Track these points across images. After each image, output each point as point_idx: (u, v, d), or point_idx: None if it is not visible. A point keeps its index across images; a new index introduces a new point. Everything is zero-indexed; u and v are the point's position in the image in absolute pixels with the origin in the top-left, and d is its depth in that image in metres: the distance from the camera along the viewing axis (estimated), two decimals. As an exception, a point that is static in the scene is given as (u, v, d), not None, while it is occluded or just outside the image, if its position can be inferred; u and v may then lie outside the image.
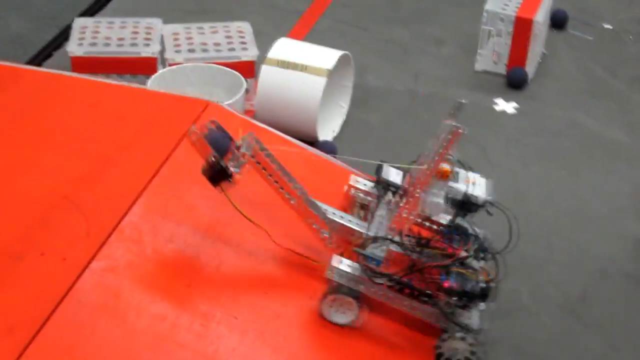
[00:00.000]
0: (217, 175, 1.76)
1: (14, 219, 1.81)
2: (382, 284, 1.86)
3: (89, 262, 1.72)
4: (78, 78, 2.36)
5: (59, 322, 1.59)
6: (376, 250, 1.87)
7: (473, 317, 1.90)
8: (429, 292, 1.86)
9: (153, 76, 2.79)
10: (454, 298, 1.84)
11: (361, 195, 2.12)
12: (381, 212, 1.98)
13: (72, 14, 3.44)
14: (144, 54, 2.94)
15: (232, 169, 1.77)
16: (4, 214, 1.82)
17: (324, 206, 1.94)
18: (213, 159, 1.75)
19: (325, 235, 1.90)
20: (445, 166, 1.89)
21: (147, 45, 2.97)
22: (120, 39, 3.01)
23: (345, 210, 2.04)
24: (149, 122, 2.15)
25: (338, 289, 1.85)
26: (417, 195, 1.87)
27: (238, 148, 1.78)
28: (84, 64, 2.89)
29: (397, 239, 1.87)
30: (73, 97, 2.24)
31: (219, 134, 1.79)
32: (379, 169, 2.06)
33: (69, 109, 2.18)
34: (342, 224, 1.96)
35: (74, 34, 3.02)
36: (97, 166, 1.97)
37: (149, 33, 3.04)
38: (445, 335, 1.87)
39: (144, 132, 2.10)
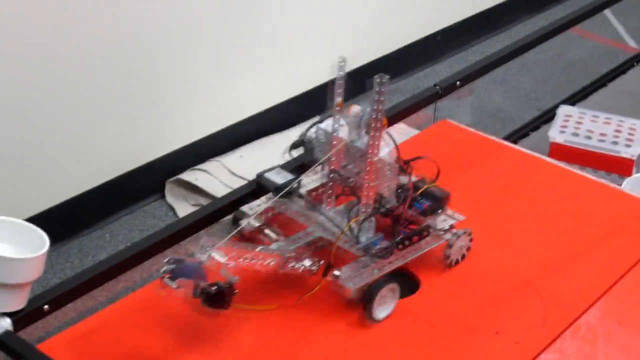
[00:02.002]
0: (221, 297, 1.62)
1: (474, 293, 1.87)
2: (392, 253, 1.78)
3: (541, 352, 1.73)
4: (557, 165, 2.38)
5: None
6: (370, 233, 1.79)
7: (454, 215, 1.89)
8: (424, 224, 1.84)
9: (628, 178, 2.75)
10: (439, 211, 1.85)
11: (263, 217, 1.91)
12: (315, 207, 1.86)
13: (553, 98, 3.50)
14: (623, 154, 2.92)
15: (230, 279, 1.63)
16: (466, 286, 1.88)
17: (277, 245, 1.81)
18: (203, 288, 1.60)
19: (307, 264, 1.76)
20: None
21: (628, 146, 2.96)
22: (603, 135, 3.02)
23: (255, 242, 1.88)
24: (621, 225, 2.12)
25: (377, 286, 1.75)
26: (374, 159, 1.75)
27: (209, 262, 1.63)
28: (562, 152, 2.93)
29: (381, 209, 1.78)
30: (549, 183, 2.26)
31: (184, 264, 1.62)
32: (260, 180, 1.91)
33: (544, 193, 2.21)
34: (299, 247, 1.82)
35: (558, 121, 3.07)
36: (564, 258, 1.98)
37: (631, 134, 3.02)
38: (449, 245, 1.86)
39: (613, 234, 2.08)
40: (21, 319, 1.65)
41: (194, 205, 2.69)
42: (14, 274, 1.58)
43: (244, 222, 1.89)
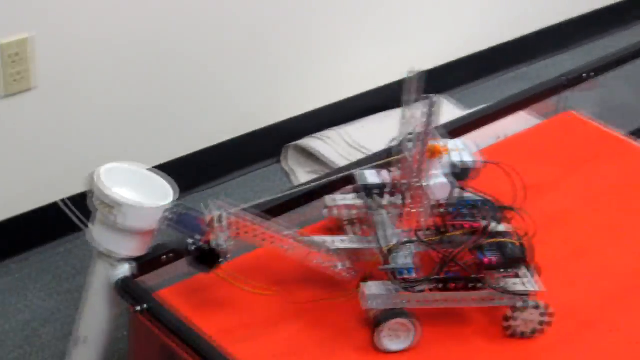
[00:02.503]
0: (209, 259, 1.59)
1: (590, 288, 1.85)
2: (423, 290, 1.63)
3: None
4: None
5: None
6: (402, 259, 1.64)
7: (527, 281, 1.67)
8: (475, 276, 1.63)
9: None
10: (501, 270, 1.64)
11: (344, 212, 1.84)
12: (379, 219, 1.74)
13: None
14: None
15: (220, 247, 1.59)
16: (583, 281, 1.86)
17: (319, 239, 1.72)
18: (194, 242, 1.59)
19: (339, 267, 1.68)
20: (434, 142, 1.69)
21: None
22: None
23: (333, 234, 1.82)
24: None
25: (385, 316, 1.62)
26: (417, 184, 1.64)
27: (210, 222, 1.60)
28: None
29: (416, 238, 1.64)
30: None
31: (188, 215, 1.60)
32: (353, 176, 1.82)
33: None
34: (350, 248, 1.73)
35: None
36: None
37: None
38: (517, 306, 1.65)
39: None
40: (141, 266, 1.69)
41: (309, 172, 2.70)
42: (141, 220, 1.61)
43: (334, 211, 1.84)
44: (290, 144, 2.77)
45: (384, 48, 2.94)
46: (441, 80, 3.17)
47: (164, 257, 1.74)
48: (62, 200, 2.08)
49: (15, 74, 2.14)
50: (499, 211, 1.72)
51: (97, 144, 2.35)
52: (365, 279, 1.66)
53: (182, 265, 1.79)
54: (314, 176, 2.62)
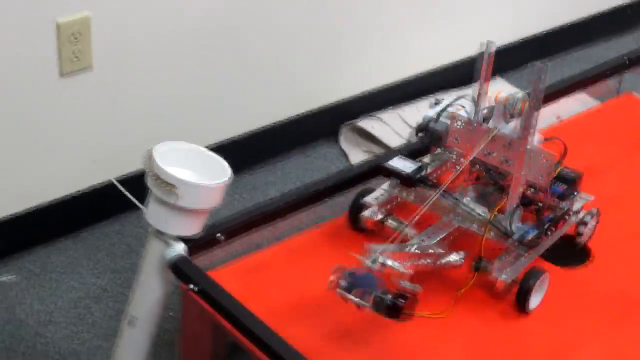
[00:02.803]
0: (398, 308, 1.50)
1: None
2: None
3: None
4: None
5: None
6: (516, 225, 1.71)
7: (583, 196, 1.85)
8: (565, 208, 1.78)
9: None
10: (574, 194, 1.81)
11: (382, 210, 1.83)
12: (451, 198, 1.76)
13: None
14: None
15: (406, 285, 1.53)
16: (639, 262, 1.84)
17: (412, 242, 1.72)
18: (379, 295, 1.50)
19: (456, 259, 1.73)
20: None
21: None
22: None
23: (377, 233, 1.80)
24: None
25: (531, 277, 1.69)
26: (526, 146, 1.68)
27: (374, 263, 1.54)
28: None
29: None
30: None
31: (358, 277, 1.53)
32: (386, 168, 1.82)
33: None
34: (440, 240, 1.73)
35: None
36: None
37: None
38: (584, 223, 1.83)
39: None
40: (196, 245, 1.69)
41: (365, 151, 2.69)
42: (196, 199, 1.61)
43: (367, 213, 1.83)
44: (347, 123, 2.76)
45: (442, 30, 2.92)
46: (500, 61, 3.12)
47: (218, 235, 1.74)
48: (117, 180, 2.09)
49: (77, 52, 2.15)
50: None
51: (153, 123, 2.36)
52: (477, 264, 1.70)
53: (234, 244, 1.80)
54: (369, 156, 2.61)
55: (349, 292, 1.53)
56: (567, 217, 1.79)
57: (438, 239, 1.75)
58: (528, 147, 1.68)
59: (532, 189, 1.77)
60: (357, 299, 1.52)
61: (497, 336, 1.68)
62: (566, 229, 1.81)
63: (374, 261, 1.54)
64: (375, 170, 1.89)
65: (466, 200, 1.79)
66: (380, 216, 1.83)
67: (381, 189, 1.87)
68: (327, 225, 1.89)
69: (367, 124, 2.74)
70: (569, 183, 1.81)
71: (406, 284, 1.54)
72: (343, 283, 1.54)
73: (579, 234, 1.84)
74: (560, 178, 1.81)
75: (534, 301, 1.70)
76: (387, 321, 1.53)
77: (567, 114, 2.40)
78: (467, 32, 2.98)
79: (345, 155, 2.72)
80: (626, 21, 3.57)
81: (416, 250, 1.69)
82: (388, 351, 1.62)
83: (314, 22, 2.59)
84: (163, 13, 2.26)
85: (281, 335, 1.52)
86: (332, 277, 1.54)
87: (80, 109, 2.22)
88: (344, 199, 1.93)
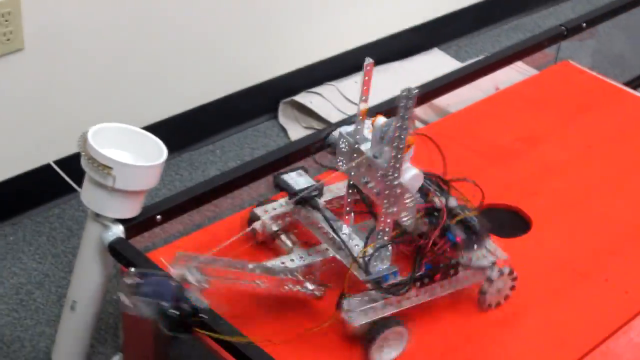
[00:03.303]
0: (180, 323, 1.42)
1: (586, 238, 1.84)
2: (409, 290, 1.53)
3: (650, 303, 1.69)
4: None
5: (606, 352, 1.59)
6: (382, 265, 1.52)
7: (494, 248, 1.62)
8: (454, 260, 1.56)
9: None
10: (474, 246, 1.55)
11: (277, 223, 1.70)
12: (334, 225, 1.58)
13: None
14: None
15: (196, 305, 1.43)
16: (579, 231, 1.85)
17: (275, 264, 1.60)
18: (167, 308, 1.40)
19: (310, 288, 1.56)
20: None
21: None
22: None
23: (270, 248, 1.69)
24: None
25: (377, 328, 1.51)
26: (395, 182, 1.47)
27: (184, 281, 1.44)
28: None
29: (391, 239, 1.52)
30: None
31: (154, 278, 1.44)
32: (278, 181, 1.66)
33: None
34: (309, 264, 1.61)
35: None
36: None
37: None
38: (491, 277, 1.59)
39: None
40: (134, 226, 1.68)
41: (306, 127, 2.68)
42: (132, 180, 1.60)
43: (257, 225, 1.70)
44: (287, 99, 2.75)
45: (376, 3, 2.91)
46: (438, 32, 3.14)
47: (159, 216, 1.72)
48: (55, 162, 2.07)
49: (7, 33, 2.11)
50: (447, 185, 1.62)
51: (88, 104, 2.33)
52: (342, 297, 1.52)
53: (174, 225, 1.78)
54: (310, 131, 2.61)
55: (135, 294, 1.41)
56: (453, 270, 1.57)
57: (305, 264, 1.63)
58: (396, 182, 1.48)
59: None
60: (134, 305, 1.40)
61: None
62: (458, 285, 1.60)
63: (180, 267, 1.45)
64: (318, 145, 1.85)
65: (347, 230, 1.62)
66: (274, 228, 1.72)
67: (277, 202, 1.74)
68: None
69: (305, 99, 2.73)
70: (470, 234, 1.57)
71: (194, 298, 1.43)
72: (131, 281, 1.42)
73: (482, 293, 1.63)
74: (464, 226, 1.57)
75: (385, 356, 1.54)
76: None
77: (506, 84, 2.41)
78: (403, 3, 2.98)
79: (285, 131, 2.71)
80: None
81: (254, 270, 1.54)
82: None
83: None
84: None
85: (221, 314, 1.51)
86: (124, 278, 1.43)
87: (13, 92, 2.19)
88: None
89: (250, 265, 1.55)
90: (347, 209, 1.65)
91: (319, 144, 1.69)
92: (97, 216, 1.65)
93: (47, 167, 2.21)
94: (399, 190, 1.49)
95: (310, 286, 1.57)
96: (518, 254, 1.76)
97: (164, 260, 1.53)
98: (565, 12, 3.51)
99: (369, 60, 1.57)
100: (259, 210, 1.73)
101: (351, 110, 2.64)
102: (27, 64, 2.17)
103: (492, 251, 1.62)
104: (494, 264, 1.61)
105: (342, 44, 2.86)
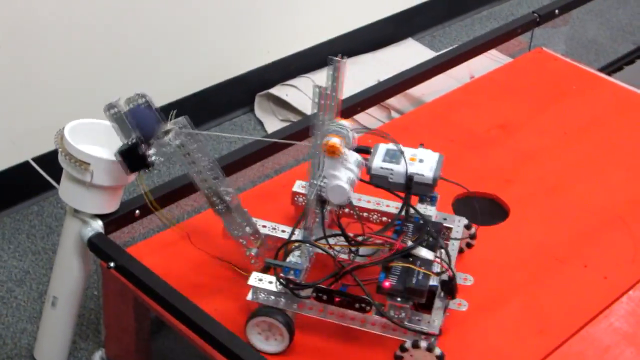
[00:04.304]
0: (136, 161, 1.51)
1: (564, 224, 1.85)
2: (307, 297, 1.49)
3: (630, 288, 1.71)
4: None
5: (586, 337, 1.61)
6: (294, 258, 1.52)
7: (435, 319, 1.48)
8: (363, 297, 1.46)
9: None
10: (398, 299, 1.44)
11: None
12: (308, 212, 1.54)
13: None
14: None
15: (152, 158, 1.52)
16: (557, 218, 1.87)
17: (261, 222, 1.64)
18: (134, 140, 1.50)
19: (252, 253, 1.60)
20: (332, 139, 1.46)
21: None
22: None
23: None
24: None
25: (258, 312, 1.51)
26: (314, 182, 1.47)
27: (166, 133, 1.52)
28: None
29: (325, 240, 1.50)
30: (643, 118, 2.22)
31: (146, 112, 1.54)
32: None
33: (638, 128, 2.17)
34: (271, 236, 1.63)
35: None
36: (656, 194, 1.94)
37: None
38: (405, 346, 1.46)
39: None
40: (113, 222, 1.68)
41: (282, 120, 2.68)
42: (110, 176, 1.60)
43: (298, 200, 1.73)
44: (262, 92, 2.75)
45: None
46: (411, 22, 3.14)
47: (136, 212, 1.72)
48: (33, 159, 2.06)
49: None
50: (437, 235, 1.52)
51: (64, 100, 2.32)
52: (266, 270, 1.54)
53: (152, 220, 1.78)
54: (287, 124, 2.61)
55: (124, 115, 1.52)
56: (363, 309, 1.49)
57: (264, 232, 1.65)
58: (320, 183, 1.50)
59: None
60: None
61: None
62: (366, 327, 1.51)
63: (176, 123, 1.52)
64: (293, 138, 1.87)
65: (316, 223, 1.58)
66: None
67: None
68: (243, 195, 1.88)
69: (281, 91, 2.73)
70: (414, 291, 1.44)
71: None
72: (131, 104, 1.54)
73: (396, 357, 1.49)
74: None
75: (259, 343, 1.53)
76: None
77: (480, 72, 2.42)
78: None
79: (261, 124, 2.71)
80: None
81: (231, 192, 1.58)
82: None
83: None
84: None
85: (203, 308, 1.51)
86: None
87: (-11, 89, 2.18)
88: (262, 168, 1.92)
89: (229, 189, 1.56)
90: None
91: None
92: (76, 212, 1.65)
93: (25, 164, 2.21)
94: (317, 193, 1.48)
95: (252, 251, 1.60)
96: (497, 242, 1.78)
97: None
98: (535, 1, 3.53)
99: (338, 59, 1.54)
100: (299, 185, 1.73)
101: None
102: (2, 61, 2.16)
103: (430, 320, 1.48)
104: (421, 334, 1.47)
105: (316, 36, 2.86)
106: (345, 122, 1.52)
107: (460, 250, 1.72)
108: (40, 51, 2.23)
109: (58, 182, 1.66)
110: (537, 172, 1.98)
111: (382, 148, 1.57)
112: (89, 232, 1.64)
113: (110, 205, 1.66)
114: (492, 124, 2.12)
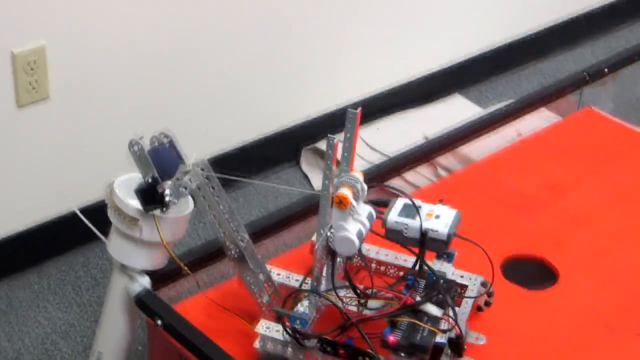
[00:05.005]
0: (152, 199, 1.51)
1: (616, 290, 1.82)
2: (312, 347, 1.49)
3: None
4: None
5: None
6: (302, 308, 1.52)
7: None
8: (367, 350, 1.45)
9: None
10: (401, 354, 1.43)
11: None
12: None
13: None
14: None
15: (168, 198, 1.51)
16: (609, 282, 1.83)
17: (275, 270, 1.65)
18: (151, 180, 1.50)
19: (263, 300, 1.58)
20: (344, 191, 1.47)
21: None
22: None
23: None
24: None
25: (266, 356, 1.53)
26: (322, 235, 1.49)
27: (185, 173, 1.54)
28: None
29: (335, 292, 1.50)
30: None
31: (168, 152, 1.56)
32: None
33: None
34: (285, 284, 1.63)
35: None
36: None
37: None
38: None
39: None
40: (160, 278, 1.67)
41: (328, 174, 2.69)
42: (161, 232, 1.59)
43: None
44: (308, 146, 2.75)
45: (398, 47, 2.92)
46: (457, 77, 3.14)
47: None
48: (80, 210, 2.07)
49: (33, 83, 2.13)
50: (446, 292, 1.52)
51: (113, 152, 2.32)
52: (278, 318, 1.55)
53: (199, 275, 1.78)
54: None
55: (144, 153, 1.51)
56: None
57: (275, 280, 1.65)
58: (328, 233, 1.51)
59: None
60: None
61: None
62: None
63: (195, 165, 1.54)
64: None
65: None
66: None
67: None
68: (292, 253, 1.87)
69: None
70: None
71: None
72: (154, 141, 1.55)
73: None
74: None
75: None
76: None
77: (527, 129, 2.41)
78: (423, 48, 2.99)
79: (307, 178, 2.71)
80: (581, 32, 3.59)
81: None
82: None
83: (273, 45, 2.58)
84: (119, 39, 2.25)
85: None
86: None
87: (39, 140, 2.20)
88: (309, 225, 1.91)
89: (244, 235, 1.57)
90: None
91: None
92: (124, 267, 1.64)
93: (72, 214, 2.21)
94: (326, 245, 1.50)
95: (264, 299, 1.59)
96: (545, 307, 1.75)
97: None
98: (584, 56, 3.51)
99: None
100: None
101: (373, 157, 2.64)
102: (53, 113, 2.19)
103: None
104: None
105: (363, 89, 2.87)
106: (356, 174, 1.54)
107: (479, 309, 1.69)
108: (90, 103, 2.25)
109: (103, 233, 1.66)
110: (588, 235, 1.96)
111: (400, 202, 1.58)
112: (136, 288, 1.64)
113: (158, 261, 1.65)
114: (541, 185, 2.10)
